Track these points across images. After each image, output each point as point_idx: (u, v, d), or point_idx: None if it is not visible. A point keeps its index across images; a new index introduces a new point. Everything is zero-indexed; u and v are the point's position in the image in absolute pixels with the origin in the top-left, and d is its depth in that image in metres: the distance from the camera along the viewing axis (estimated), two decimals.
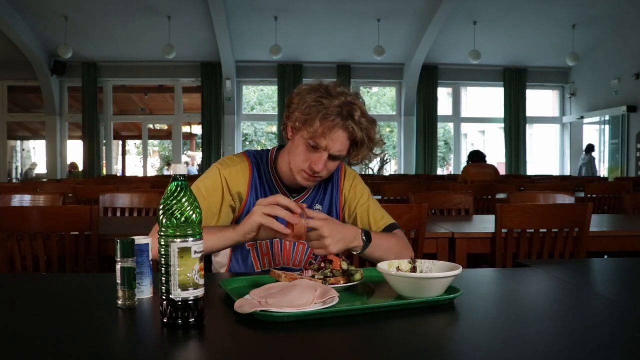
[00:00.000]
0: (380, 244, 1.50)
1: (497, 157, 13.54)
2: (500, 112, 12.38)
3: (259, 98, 18.83)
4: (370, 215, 1.67)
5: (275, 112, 12.25)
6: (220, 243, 1.43)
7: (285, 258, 1.64)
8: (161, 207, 1.01)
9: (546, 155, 13.68)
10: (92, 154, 11.54)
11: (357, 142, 1.50)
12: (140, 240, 1.19)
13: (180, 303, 0.99)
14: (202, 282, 1.02)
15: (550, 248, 2.36)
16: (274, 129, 14.74)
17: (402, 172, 11.86)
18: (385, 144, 1.59)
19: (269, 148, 1.71)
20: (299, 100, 1.50)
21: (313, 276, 1.26)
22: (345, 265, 1.28)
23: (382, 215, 1.68)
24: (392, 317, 1.08)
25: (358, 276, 1.27)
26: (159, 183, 5.25)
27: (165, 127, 15.49)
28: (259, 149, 1.75)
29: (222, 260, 1.66)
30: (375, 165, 20.39)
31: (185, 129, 13.96)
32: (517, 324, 1.08)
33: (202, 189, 1.57)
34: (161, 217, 1.00)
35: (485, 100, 15.76)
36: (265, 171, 1.65)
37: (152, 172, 16.55)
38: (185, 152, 16.29)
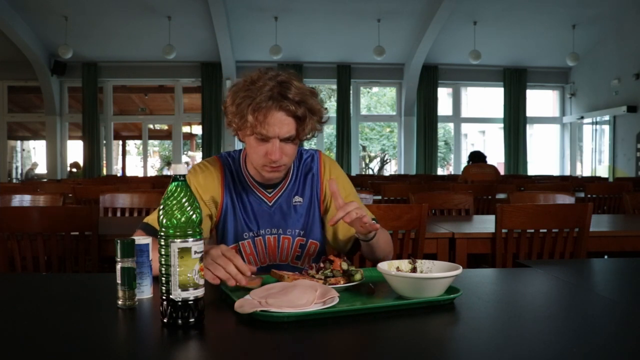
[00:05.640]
0: (380, 235, 1.55)
1: (497, 157, 13.53)
2: (500, 112, 12.38)
3: None
4: None
5: None
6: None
7: (270, 254, 1.63)
8: (161, 207, 1.01)
9: (546, 155, 13.68)
10: (92, 154, 11.53)
11: (300, 117, 1.47)
12: (140, 240, 1.19)
13: (180, 303, 0.99)
14: (202, 282, 1.02)
15: (550, 248, 2.36)
16: None
17: (402, 172, 11.84)
18: (327, 110, 1.58)
19: (241, 149, 1.70)
20: (230, 101, 1.49)
21: (313, 276, 1.26)
22: (345, 265, 1.29)
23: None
24: (392, 317, 1.08)
25: (358, 276, 1.27)
26: (159, 183, 5.24)
27: (165, 127, 15.49)
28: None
29: None
30: (375, 165, 20.44)
31: (185, 129, 13.96)
32: (517, 324, 1.08)
33: None
34: (161, 217, 1.00)
35: (485, 100, 15.76)
36: (237, 171, 1.64)
37: (152, 172, 16.54)
38: (185, 152, 16.29)
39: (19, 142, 14.58)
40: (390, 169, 19.63)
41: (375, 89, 18.47)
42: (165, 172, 16.88)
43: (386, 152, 20.24)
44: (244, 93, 1.45)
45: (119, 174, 13.50)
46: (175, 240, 0.99)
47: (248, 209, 1.61)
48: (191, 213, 1.00)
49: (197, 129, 13.99)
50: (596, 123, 12.05)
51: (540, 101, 13.39)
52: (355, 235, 1.56)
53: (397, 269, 1.26)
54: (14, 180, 12.07)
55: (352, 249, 1.69)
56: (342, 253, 1.65)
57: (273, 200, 1.63)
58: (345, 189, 1.67)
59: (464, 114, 13.39)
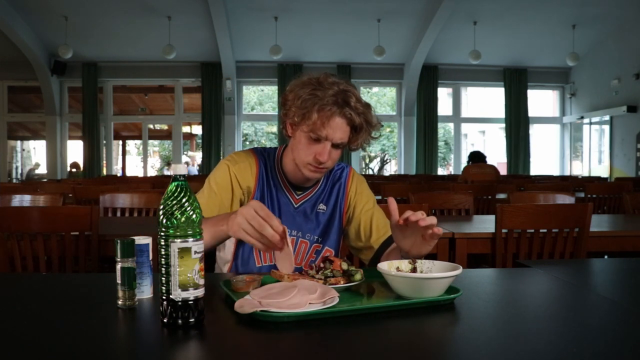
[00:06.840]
0: None
1: (497, 157, 13.53)
2: (500, 112, 12.38)
3: (259, 98, 18.83)
4: (373, 223, 1.69)
5: (275, 112, 12.25)
6: (215, 241, 1.42)
7: None
8: (161, 207, 1.01)
9: (546, 155, 13.69)
10: (92, 154, 11.53)
11: (356, 127, 1.52)
12: (140, 240, 1.19)
13: (180, 303, 0.99)
14: (202, 282, 1.02)
15: (550, 248, 2.36)
16: (274, 129, 14.74)
17: (402, 172, 11.85)
18: (382, 126, 1.63)
19: (276, 147, 1.74)
20: (293, 96, 1.52)
21: (313, 276, 1.26)
22: (345, 266, 1.29)
23: (384, 224, 1.69)
24: (392, 317, 1.08)
25: (358, 276, 1.27)
26: (159, 183, 5.25)
27: (165, 127, 15.49)
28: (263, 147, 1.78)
29: (225, 256, 1.67)
30: (375, 165, 20.43)
31: (185, 129, 13.96)
32: (517, 324, 1.08)
33: (213, 185, 1.61)
34: (161, 217, 1.00)
35: (486, 100, 15.76)
36: (271, 168, 1.67)
37: (152, 172, 16.54)
38: (185, 152, 16.28)
39: (19, 142, 14.58)
40: (390, 169, 19.62)
41: (375, 89, 18.45)
42: (165, 172, 16.87)
43: (386, 152, 20.22)
44: (311, 90, 1.48)
45: (119, 174, 13.50)
46: (175, 240, 0.99)
47: (275, 205, 1.64)
48: (191, 213, 1.00)
49: (197, 129, 13.99)
50: (596, 123, 12.05)
51: (540, 101, 13.40)
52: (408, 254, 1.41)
53: (397, 269, 1.26)
54: (14, 180, 12.07)
55: (371, 261, 1.69)
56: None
57: (299, 202, 1.66)
58: (368, 202, 1.73)
59: (464, 114, 13.38)
